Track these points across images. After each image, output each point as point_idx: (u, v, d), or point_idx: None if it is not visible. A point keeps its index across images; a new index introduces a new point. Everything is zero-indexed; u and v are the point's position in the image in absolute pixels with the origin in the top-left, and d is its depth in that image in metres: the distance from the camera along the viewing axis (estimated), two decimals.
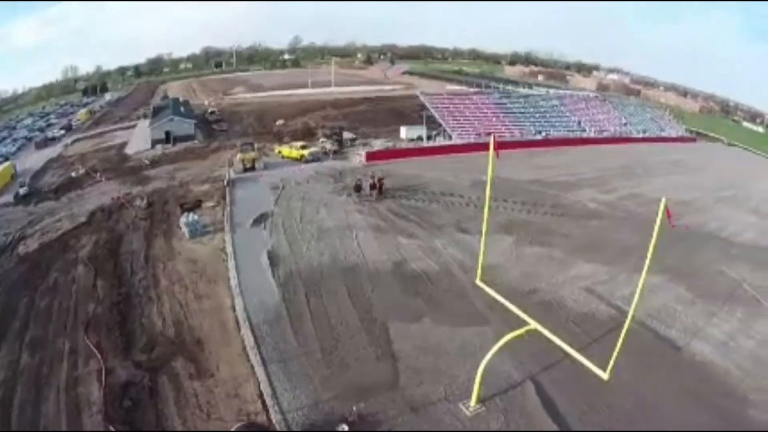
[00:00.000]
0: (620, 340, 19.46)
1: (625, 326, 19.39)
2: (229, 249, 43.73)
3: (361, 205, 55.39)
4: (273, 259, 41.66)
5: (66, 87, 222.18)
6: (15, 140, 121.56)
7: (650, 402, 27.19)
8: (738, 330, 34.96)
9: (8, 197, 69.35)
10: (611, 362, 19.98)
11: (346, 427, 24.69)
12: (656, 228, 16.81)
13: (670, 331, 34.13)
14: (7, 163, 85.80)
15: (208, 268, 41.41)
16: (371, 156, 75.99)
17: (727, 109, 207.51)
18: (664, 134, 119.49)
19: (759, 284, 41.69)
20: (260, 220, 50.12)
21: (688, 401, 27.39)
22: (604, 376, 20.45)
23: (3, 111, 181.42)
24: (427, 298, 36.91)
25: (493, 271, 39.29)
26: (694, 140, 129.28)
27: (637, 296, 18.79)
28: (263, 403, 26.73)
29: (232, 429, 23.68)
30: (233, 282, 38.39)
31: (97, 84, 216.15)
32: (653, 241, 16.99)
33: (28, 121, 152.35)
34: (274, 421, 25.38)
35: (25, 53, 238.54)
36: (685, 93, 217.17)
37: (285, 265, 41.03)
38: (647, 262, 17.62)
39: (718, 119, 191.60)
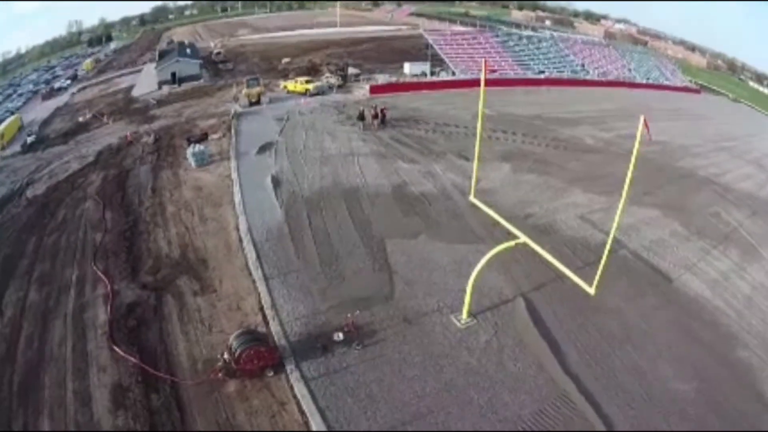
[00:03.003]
0: (605, 255, 19.91)
1: (610, 239, 19.78)
2: (234, 175, 44.22)
3: (364, 133, 55.52)
4: (277, 183, 42.16)
5: (70, 41, 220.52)
6: (21, 95, 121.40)
7: (639, 328, 27.61)
8: (732, 271, 35.03)
9: (16, 147, 69.71)
10: (597, 277, 20.47)
11: (341, 336, 25.42)
12: (636, 143, 17.29)
13: (663, 263, 34.36)
14: (13, 117, 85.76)
15: (214, 193, 41.94)
16: (375, 89, 75.64)
17: (733, 67, 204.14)
18: (668, 83, 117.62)
19: (755, 231, 41.60)
20: (265, 148, 50.39)
21: (676, 332, 27.74)
22: (591, 291, 20.89)
23: (7, 71, 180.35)
24: (425, 218, 37.40)
25: (490, 195, 39.71)
26: (698, 92, 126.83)
27: (619, 212, 19.05)
28: (263, 315, 27.47)
29: (230, 338, 24.14)
30: (237, 204, 39.03)
31: (101, 35, 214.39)
32: (633, 159, 17.52)
33: (34, 75, 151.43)
34: (273, 331, 26.09)
35: (26, 15, 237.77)
36: (693, 48, 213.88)
37: (288, 187, 41.57)
38: (628, 178, 18.17)
39: (724, 76, 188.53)
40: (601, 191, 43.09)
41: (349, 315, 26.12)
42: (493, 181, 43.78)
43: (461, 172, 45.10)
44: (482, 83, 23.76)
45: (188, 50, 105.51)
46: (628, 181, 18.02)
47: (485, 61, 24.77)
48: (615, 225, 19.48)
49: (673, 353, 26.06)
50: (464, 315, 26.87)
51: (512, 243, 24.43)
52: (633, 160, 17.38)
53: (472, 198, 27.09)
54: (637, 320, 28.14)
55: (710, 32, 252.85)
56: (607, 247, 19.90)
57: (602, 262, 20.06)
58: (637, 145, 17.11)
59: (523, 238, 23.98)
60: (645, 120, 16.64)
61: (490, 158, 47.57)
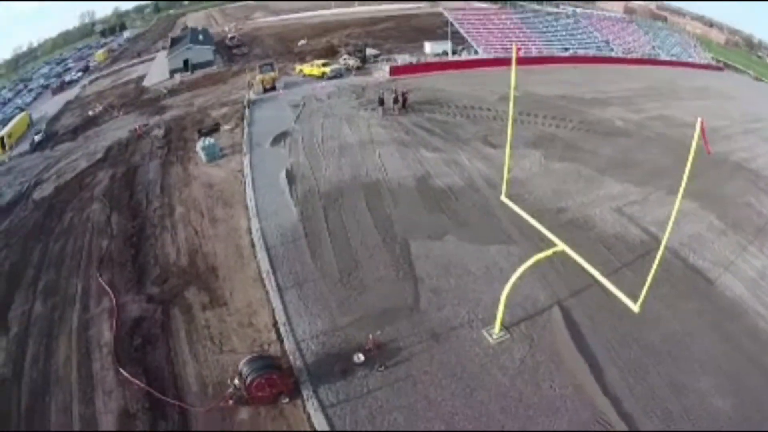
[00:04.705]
0: (651, 274, 17.40)
1: (657, 258, 17.23)
2: (246, 170, 42.11)
3: (384, 119, 52.90)
4: (291, 178, 39.92)
5: (84, 32, 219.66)
6: (31, 90, 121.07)
7: (679, 338, 24.95)
8: None
9: (25, 146, 69.10)
10: (642, 295, 18.05)
11: (362, 357, 23.10)
12: (692, 150, 14.29)
13: (702, 262, 31.24)
14: (22, 114, 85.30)
15: (225, 191, 39.96)
16: (395, 71, 72.82)
17: (751, 44, 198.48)
18: (691, 60, 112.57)
19: None
20: (279, 139, 48.15)
21: (717, 341, 25.04)
22: (635, 308, 18.53)
23: (19, 65, 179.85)
24: (451, 215, 34.73)
25: (521, 186, 37.59)
26: (721, 69, 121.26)
27: (670, 226, 16.43)
28: (277, 332, 25.30)
29: (240, 363, 22.04)
30: (250, 203, 36.86)
31: (115, 24, 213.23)
32: (688, 165, 14.54)
33: (45, 69, 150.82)
34: (288, 351, 23.99)
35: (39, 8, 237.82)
36: (711, 24, 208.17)
37: (304, 183, 39.29)
38: (682, 188, 15.16)
39: (743, 53, 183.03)
40: (635, 180, 40.20)
41: (370, 336, 23.66)
42: (523, 170, 40.92)
43: (489, 161, 42.46)
44: (513, 69, 20.72)
45: (200, 36, 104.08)
46: (681, 192, 15.22)
47: (516, 47, 21.84)
48: (664, 241, 16.99)
49: (714, 365, 23.52)
50: (497, 329, 24.30)
51: (549, 252, 21.67)
52: (686, 173, 14.61)
53: (503, 197, 24.24)
54: (677, 329, 25.45)
55: (728, 7, 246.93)
56: (656, 263, 17.25)
57: (649, 278, 17.51)
58: (691, 156, 14.26)
59: (560, 246, 21.23)
60: (702, 124, 13.96)
61: (518, 144, 44.07)
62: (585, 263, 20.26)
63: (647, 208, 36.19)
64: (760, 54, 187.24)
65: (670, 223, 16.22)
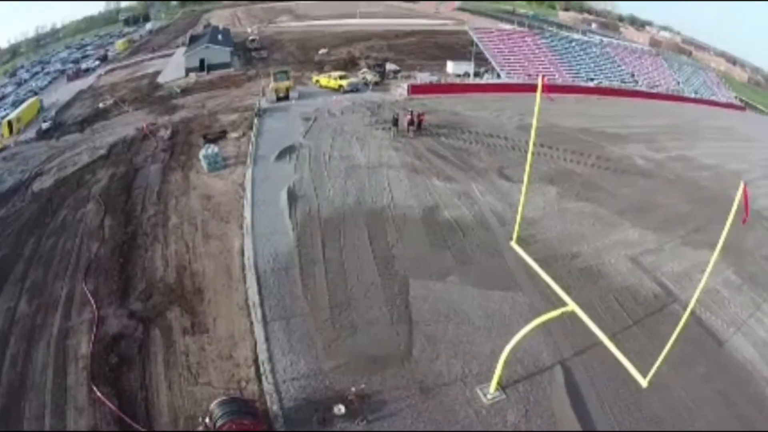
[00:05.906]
0: (667, 348, 16.60)
1: (678, 329, 16.42)
2: (247, 184, 40.87)
3: (397, 141, 51.41)
4: (293, 198, 38.46)
5: (108, 18, 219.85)
6: (48, 73, 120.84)
7: (684, 407, 23.15)
8: None
9: (32, 132, 68.75)
10: (652, 370, 16.74)
11: (343, 409, 21.32)
12: (732, 213, 13.68)
13: (715, 321, 29.25)
14: (33, 99, 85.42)
15: (223, 204, 38.70)
16: (414, 89, 71.68)
17: None
18: (714, 98, 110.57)
19: None
20: (286, 153, 46.87)
21: (720, 410, 23.30)
22: (643, 383, 17.12)
23: (40, 45, 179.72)
24: (457, 253, 32.89)
25: (534, 226, 36.00)
26: (743, 109, 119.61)
27: (698, 291, 15.61)
28: (257, 369, 23.77)
29: (212, 404, 20.47)
30: (246, 222, 35.50)
31: (140, 14, 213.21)
32: (726, 228, 13.86)
33: (64, 53, 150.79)
34: (265, 391, 22.45)
35: None
36: (734, 61, 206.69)
37: (305, 204, 37.80)
38: (715, 255, 14.42)
39: (764, 93, 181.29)
40: (653, 227, 38.31)
41: (353, 389, 21.98)
42: (537, 207, 39.19)
43: (502, 195, 40.77)
44: (537, 102, 18.79)
45: (220, 36, 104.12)
46: (714, 256, 14.43)
47: (542, 77, 20.12)
48: (687, 312, 16.13)
49: None
50: (492, 388, 22.48)
51: (558, 312, 19.96)
52: (722, 238, 13.98)
53: (513, 243, 22.52)
54: (682, 396, 23.61)
55: (751, 45, 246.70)
56: (674, 335, 16.41)
57: (663, 352, 16.55)
58: (731, 217, 13.90)
59: (571, 305, 19.55)
60: (745, 188, 13.28)
61: (534, 179, 42.30)
62: (595, 328, 18.70)
63: (662, 258, 34.38)
64: None
65: (698, 290, 15.64)
